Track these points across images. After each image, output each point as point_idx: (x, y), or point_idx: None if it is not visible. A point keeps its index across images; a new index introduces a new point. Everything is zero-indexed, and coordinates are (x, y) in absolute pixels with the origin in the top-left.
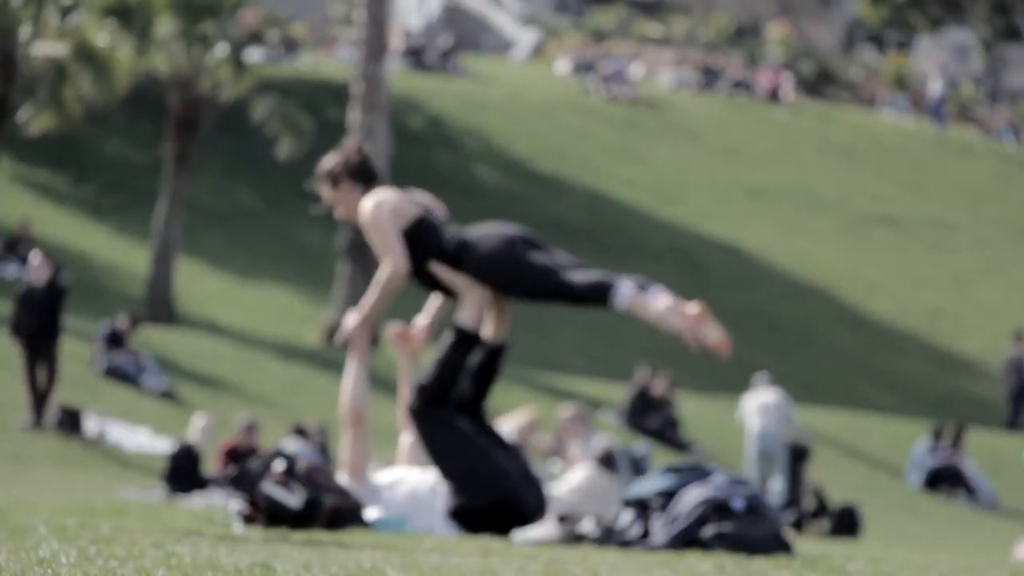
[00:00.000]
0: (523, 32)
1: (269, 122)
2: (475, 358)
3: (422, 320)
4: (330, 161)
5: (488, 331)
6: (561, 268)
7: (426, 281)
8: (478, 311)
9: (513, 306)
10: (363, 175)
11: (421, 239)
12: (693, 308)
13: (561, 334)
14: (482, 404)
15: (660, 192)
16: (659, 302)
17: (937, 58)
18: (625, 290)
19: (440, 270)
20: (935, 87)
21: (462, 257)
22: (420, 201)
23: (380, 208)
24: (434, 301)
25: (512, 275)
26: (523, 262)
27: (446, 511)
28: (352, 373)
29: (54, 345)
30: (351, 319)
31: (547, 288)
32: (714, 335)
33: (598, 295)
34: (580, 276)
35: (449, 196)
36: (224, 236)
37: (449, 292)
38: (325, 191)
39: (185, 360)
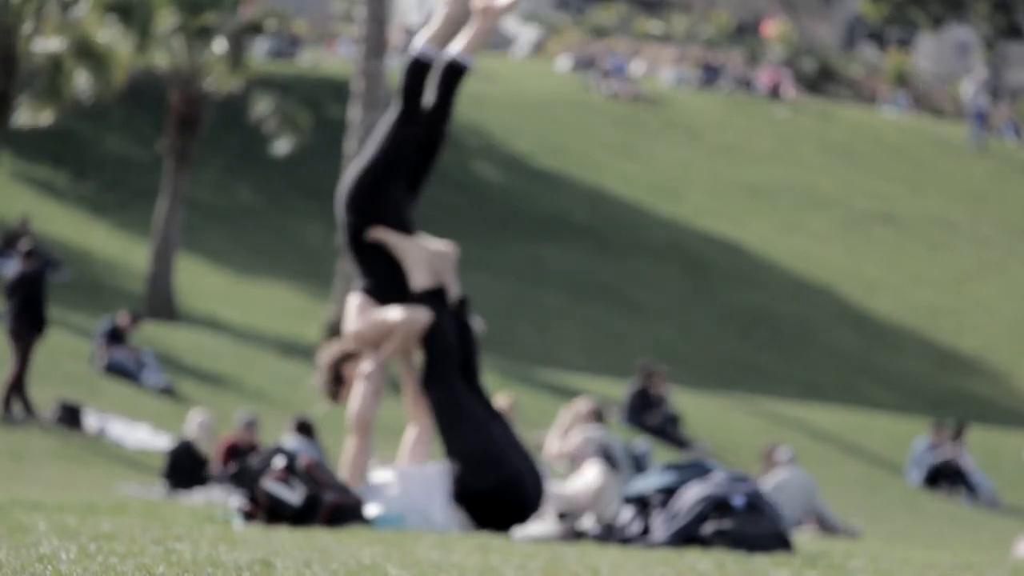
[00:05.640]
0: (524, 29)
1: (269, 119)
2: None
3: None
4: (323, 374)
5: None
6: (383, 134)
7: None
8: (424, 269)
9: (514, 302)
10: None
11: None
12: None
13: (562, 331)
14: (474, 371)
15: (660, 189)
16: (439, 11)
17: (978, 72)
18: (416, 43)
19: (378, 234)
20: (979, 98)
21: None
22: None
23: (359, 311)
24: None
25: (375, 179)
26: (369, 167)
27: (450, 493)
28: (365, 381)
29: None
30: (366, 365)
31: (397, 139)
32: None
33: (416, 74)
34: (395, 105)
35: (449, 193)
36: (224, 233)
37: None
38: (347, 393)
39: (185, 357)
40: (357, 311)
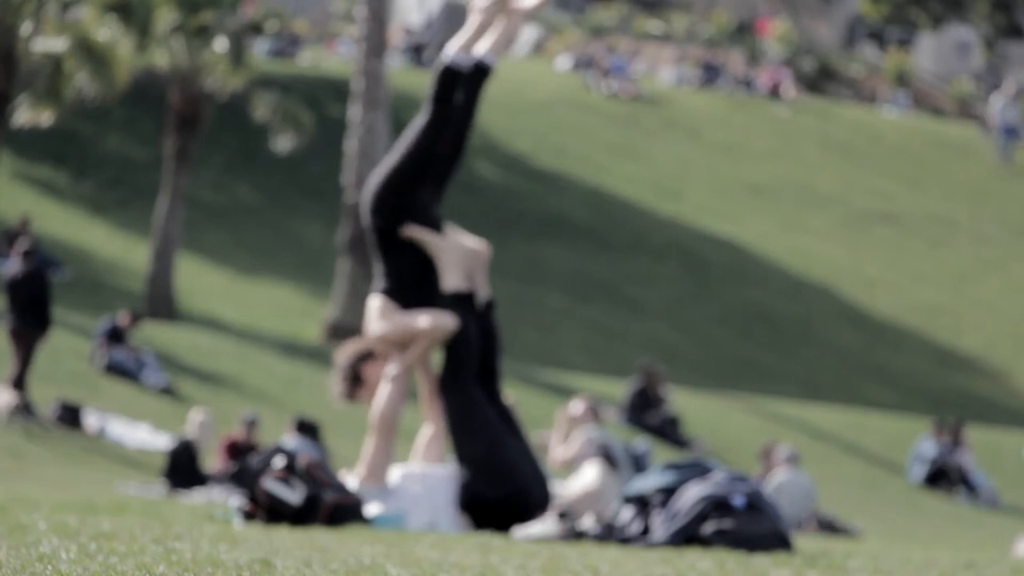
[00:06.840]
0: (523, 28)
1: (270, 118)
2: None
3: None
4: (343, 369)
5: (476, 288)
6: (411, 139)
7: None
8: (458, 270)
9: (514, 302)
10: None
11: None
12: None
13: (563, 330)
14: (494, 374)
15: (661, 188)
16: (472, 20)
17: (1008, 86)
18: (449, 52)
19: (413, 232)
20: (1007, 112)
21: (396, 219)
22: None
23: (380, 313)
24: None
25: (413, 169)
26: (395, 170)
27: (458, 501)
28: (391, 384)
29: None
30: (392, 368)
31: (425, 144)
32: None
33: (448, 81)
34: (426, 111)
35: (449, 192)
36: (225, 232)
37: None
38: (364, 393)
39: (185, 356)
40: (379, 313)
